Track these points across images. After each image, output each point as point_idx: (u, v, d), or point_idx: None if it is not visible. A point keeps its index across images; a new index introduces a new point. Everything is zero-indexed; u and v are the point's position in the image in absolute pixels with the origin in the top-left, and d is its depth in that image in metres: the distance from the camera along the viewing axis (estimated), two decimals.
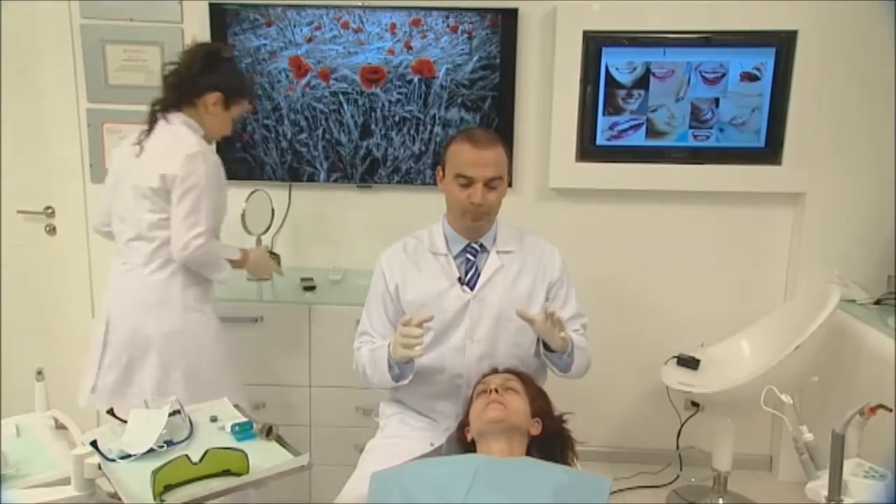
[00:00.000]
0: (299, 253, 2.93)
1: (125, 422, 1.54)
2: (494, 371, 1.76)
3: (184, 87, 2.04)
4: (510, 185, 1.94)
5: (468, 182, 1.74)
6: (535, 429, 1.64)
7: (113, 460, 1.42)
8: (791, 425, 1.59)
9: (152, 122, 2.05)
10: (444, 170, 1.82)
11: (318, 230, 2.92)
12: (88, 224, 2.86)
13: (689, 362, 2.63)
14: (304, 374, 2.52)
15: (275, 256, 2.40)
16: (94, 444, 1.46)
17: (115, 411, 1.64)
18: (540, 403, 1.68)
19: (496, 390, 1.63)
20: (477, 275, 1.82)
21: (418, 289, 1.81)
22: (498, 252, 1.84)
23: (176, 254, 1.99)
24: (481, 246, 1.85)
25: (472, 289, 1.80)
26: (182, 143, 1.98)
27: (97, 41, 2.74)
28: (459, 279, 1.81)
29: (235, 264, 2.12)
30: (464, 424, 1.69)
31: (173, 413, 1.54)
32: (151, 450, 1.45)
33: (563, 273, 1.88)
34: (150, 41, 2.73)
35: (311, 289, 2.61)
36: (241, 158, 2.81)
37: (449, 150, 1.81)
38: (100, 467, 1.30)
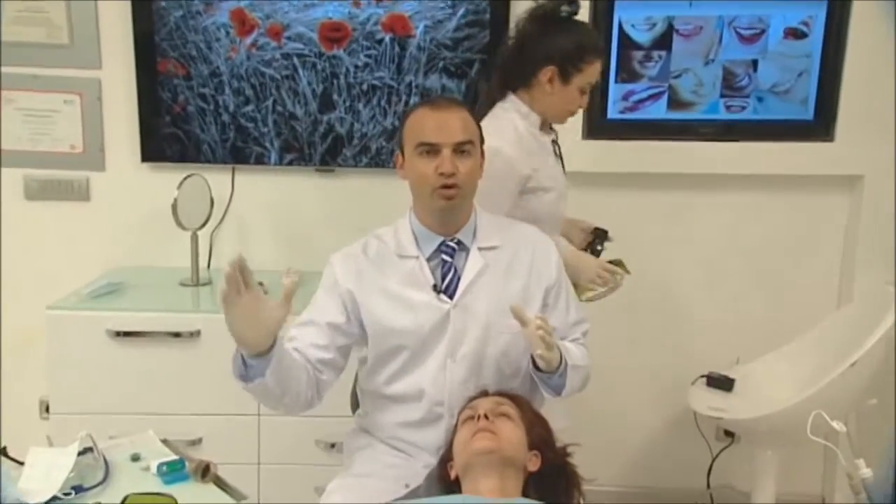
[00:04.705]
0: (245, 251, 2.85)
1: (22, 463, 1.52)
2: (484, 393, 1.75)
3: (508, 64, 2.09)
4: None
5: (433, 149, 1.73)
6: (533, 463, 1.63)
7: None
8: (845, 459, 1.59)
9: (490, 103, 2.12)
10: (402, 153, 1.81)
11: (268, 223, 2.92)
12: None
13: (722, 382, 2.65)
14: (252, 401, 2.48)
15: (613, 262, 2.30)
16: None
17: None
18: (538, 432, 1.68)
19: (485, 416, 1.62)
20: (456, 279, 1.80)
21: (384, 303, 1.79)
22: (480, 249, 1.82)
23: None
24: (459, 243, 1.83)
25: (451, 297, 1.79)
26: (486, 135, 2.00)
27: None
28: (435, 286, 1.79)
29: None
30: (446, 459, 1.69)
31: (84, 451, 1.53)
32: (55, 498, 1.44)
33: (560, 272, 1.88)
34: None
35: None
36: (171, 135, 2.78)
37: (405, 125, 1.80)
38: None
